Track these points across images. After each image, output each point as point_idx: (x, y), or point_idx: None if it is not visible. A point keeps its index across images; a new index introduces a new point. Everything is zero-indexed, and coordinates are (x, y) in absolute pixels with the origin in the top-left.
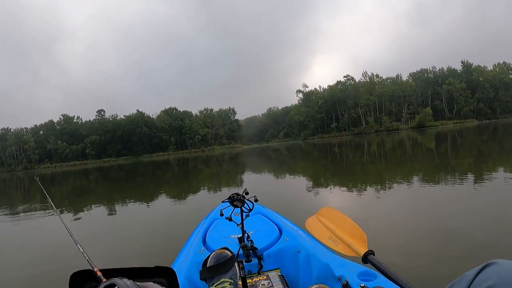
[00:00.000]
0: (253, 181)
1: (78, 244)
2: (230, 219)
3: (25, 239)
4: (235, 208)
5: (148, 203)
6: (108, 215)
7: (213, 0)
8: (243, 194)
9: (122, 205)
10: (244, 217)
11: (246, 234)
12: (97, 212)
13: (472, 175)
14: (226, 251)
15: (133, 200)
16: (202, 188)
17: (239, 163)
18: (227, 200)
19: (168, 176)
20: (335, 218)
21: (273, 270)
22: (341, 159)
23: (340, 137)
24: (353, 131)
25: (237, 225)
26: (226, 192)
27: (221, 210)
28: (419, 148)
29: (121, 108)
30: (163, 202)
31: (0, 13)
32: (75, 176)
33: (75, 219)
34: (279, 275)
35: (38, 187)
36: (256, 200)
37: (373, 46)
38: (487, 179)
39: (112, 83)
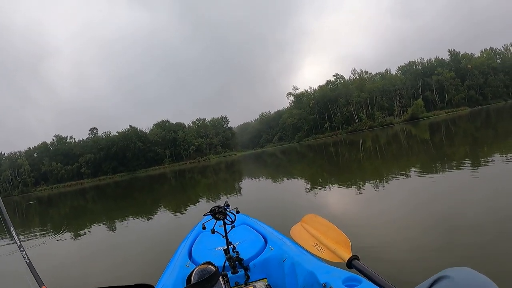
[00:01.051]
0: (249, 189)
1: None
2: (214, 232)
3: None
4: (218, 221)
5: (146, 219)
6: (106, 234)
7: (195, 9)
8: (224, 207)
9: (121, 222)
10: (229, 228)
11: (231, 246)
12: (95, 232)
13: (468, 163)
14: (209, 266)
15: (131, 217)
16: (200, 199)
17: (236, 171)
18: (208, 213)
19: (165, 190)
20: (319, 225)
21: (260, 280)
22: (336, 158)
23: (335, 136)
24: (347, 129)
25: (222, 236)
26: (225, 200)
27: (203, 224)
28: (413, 141)
29: (113, 125)
30: (161, 217)
31: None
32: (72, 196)
33: (75, 241)
34: (266, 285)
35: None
36: (237, 212)
37: (361, 43)
38: (484, 166)
39: (102, 101)
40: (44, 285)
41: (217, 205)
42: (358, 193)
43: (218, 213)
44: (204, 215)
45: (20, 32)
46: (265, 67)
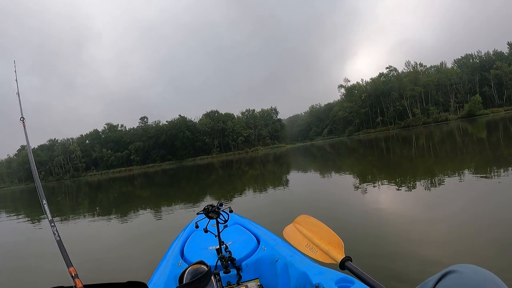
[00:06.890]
0: (295, 182)
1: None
2: (207, 231)
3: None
4: (211, 220)
5: (192, 207)
6: (149, 220)
7: None
8: (218, 206)
9: (167, 209)
10: (222, 228)
11: (224, 245)
12: (141, 218)
13: None
14: (202, 265)
15: (177, 204)
16: (246, 190)
17: (283, 163)
18: (202, 212)
19: (213, 179)
20: (312, 226)
21: (252, 280)
22: (387, 155)
23: (387, 131)
24: (400, 125)
25: (215, 236)
26: (272, 193)
27: (196, 222)
28: (469, 140)
29: (158, 113)
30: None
31: (28, 35)
32: (121, 182)
33: (119, 225)
34: (258, 285)
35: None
36: (231, 211)
37: (417, 26)
38: None
39: (150, 90)
40: (72, 266)
41: (211, 203)
42: (403, 193)
43: (212, 212)
44: (198, 213)
45: (63, 26)
46: (317, 54)
